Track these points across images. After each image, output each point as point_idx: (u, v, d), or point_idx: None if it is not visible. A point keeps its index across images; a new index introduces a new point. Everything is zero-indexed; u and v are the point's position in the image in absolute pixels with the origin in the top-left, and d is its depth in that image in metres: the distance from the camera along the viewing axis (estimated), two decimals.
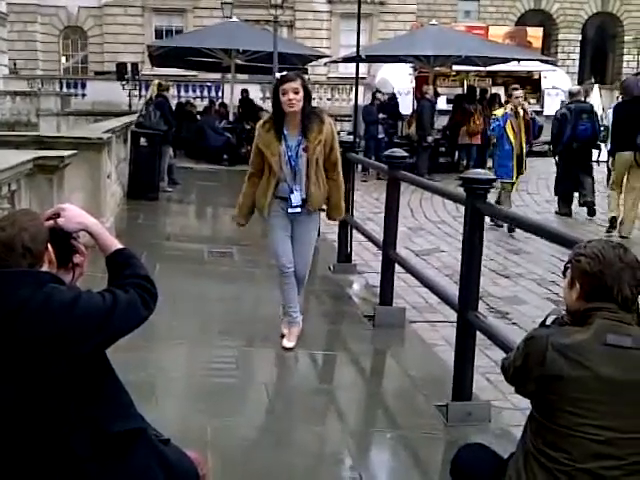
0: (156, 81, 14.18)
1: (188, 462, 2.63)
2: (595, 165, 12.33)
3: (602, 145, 11.74)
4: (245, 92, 20.84)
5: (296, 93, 4.94)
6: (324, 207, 5.44)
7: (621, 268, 2.42)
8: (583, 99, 12.88)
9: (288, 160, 5.07)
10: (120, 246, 2.53)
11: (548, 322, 2.56)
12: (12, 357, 2.24)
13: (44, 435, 2.27)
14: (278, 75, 5.20)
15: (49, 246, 2.39)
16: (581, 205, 12.09)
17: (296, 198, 5.13)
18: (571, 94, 12.62)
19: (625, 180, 10.54)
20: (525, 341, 2.50)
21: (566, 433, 2.37)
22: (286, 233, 5.28)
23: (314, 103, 5.20)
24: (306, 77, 5.29)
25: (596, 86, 20.53)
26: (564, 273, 2.57)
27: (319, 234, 6.47)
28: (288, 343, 5.39)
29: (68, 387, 2.28)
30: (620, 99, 12.23)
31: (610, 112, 11.04)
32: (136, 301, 2.37)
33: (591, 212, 11.79)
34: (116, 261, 2.49)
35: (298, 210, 5.17)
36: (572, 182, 12.08)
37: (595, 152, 12.15)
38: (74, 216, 2.50)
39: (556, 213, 12.26)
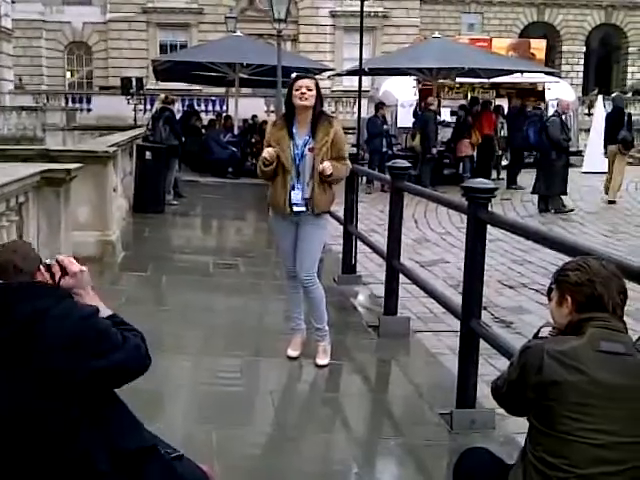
0: (162, 95, 14.25)
1: (202, 477, 2.72)
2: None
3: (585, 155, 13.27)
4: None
5: (309, 90, 5.00)
6: (330, 210, 5.39)
7: (607, 276, 2.47)
8: (560, 112, 14.74)
9: (294, 158, 5.06)
10: (110, 312, 2.61)
11: (541, 335, 2.60)
12: (29, 365, 2.30)
13: (60, 448, 2.33)
14: (293, 75, 5.21)
15: (42, 268, 2.49)
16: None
17: (296, 196, 5.07)
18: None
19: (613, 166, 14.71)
20: (520, 353, 2.52)
21: (565, 438, 2.38)
22: (289, 235, 5.23)
23: None
24: None
25: (600, 97, 20.57)
26: (549, 295, 2.60)
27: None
28: (292, 352, 5.40)
29: (78, 402, 2.34)
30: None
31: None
32: (141, 347, 2.50)
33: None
34: (113, 322, 2.56)
35: (302, 209, 5.10)
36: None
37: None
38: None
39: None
